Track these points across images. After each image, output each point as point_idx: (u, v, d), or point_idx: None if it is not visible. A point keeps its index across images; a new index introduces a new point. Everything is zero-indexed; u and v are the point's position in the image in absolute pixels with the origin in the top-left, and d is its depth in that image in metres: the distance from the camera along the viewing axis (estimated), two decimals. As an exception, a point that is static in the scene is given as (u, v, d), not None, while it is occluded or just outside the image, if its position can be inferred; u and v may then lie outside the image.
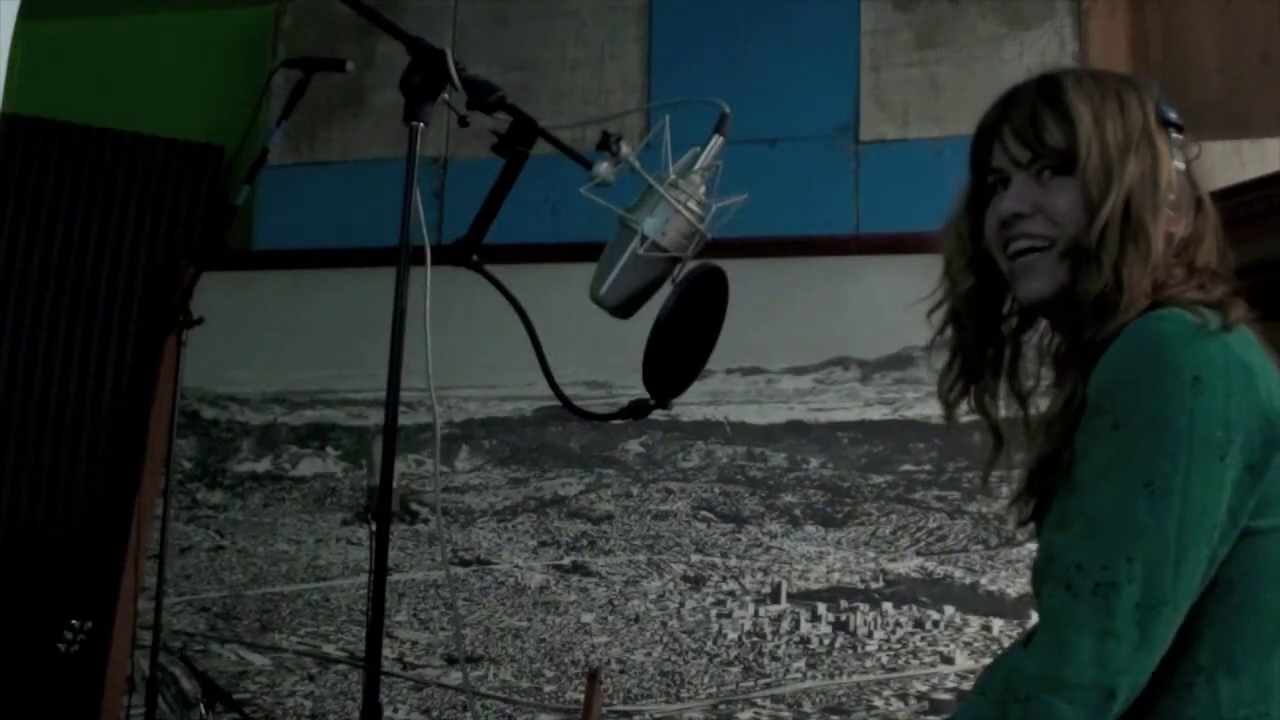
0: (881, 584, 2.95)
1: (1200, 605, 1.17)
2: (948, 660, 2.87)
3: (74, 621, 2.82)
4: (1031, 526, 1.36)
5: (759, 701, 2.93)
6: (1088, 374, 1.21)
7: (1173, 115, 1.29)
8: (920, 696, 2.86)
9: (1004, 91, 1.35)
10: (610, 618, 3.07)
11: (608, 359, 2.86)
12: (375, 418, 3.27)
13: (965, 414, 1.41)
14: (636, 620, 3.05)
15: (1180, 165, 1.27)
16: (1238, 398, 1.16)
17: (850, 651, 2.92)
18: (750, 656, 2.96)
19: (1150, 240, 1.23)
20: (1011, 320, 1.39)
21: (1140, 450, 1.15)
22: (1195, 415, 1.14)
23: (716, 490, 3.10)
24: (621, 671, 3.01)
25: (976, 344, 1.38)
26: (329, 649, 3.20)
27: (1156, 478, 1.14)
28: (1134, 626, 1.13)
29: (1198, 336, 1.17)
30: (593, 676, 2.60)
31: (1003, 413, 1.39)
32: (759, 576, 3.02)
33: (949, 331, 1.39)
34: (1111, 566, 1.14)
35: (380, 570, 1.55)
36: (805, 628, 2.96)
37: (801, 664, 2.94)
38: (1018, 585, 2.85)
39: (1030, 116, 1.29)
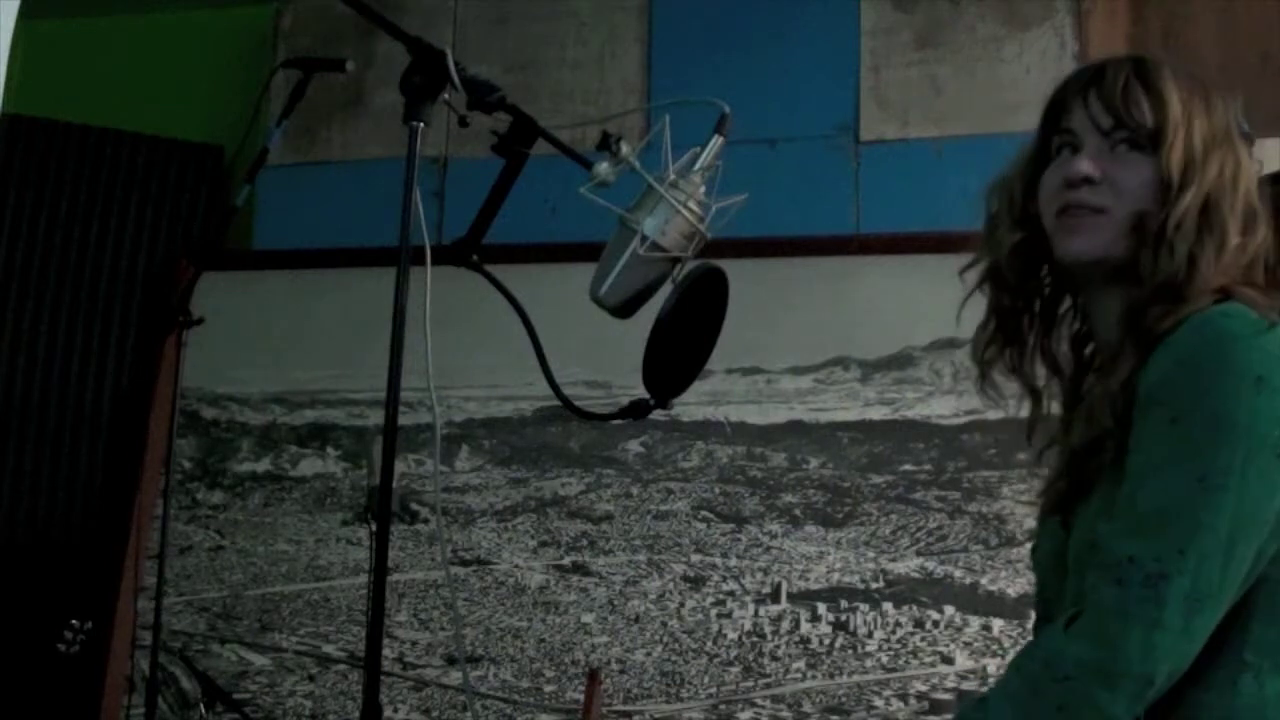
0: (881, 584, 2.95)
1: (1249, 603, 1.18)
2: (948, 660, 2.87)
3: (74, 621, 2.82)
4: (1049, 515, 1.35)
5: (759, 701, 2.93)
6: (1143, 361, 1.21)
7: (1246, 126, 1.31)
8: (920, 696, 2.86)
9: (1092, 61, 1.36)
10: (610, 618, 3.07)
11: (608, 359, 2.86)
12: (375, 418, 3.27)
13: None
14: (636, 620, 3.05)
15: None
16: None
17: (850, 651, 2.92)
18: (750, 656, 2.96)
19: (1227, 239, 1.23)
20: (1046, 286, 1.39)
21: (1197, 446, 1.15)
22: (1256, 414, 1.14)
23: (716, 490, 3.10)
24: (621, 671, 3.01)
25: (1012, 305, 1.38)
26: (329, 649, 3.20)
27: (1212, 473, 1.14)
28: (1180, 617, 1.14)
29: (1262, 335, 1.17)
30: (593, 676, 2.60)
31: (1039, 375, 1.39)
32: (759, 576, 3.01)
33: (985, 290, 1.39)
34: (1164, 559, 1.14)
35: (380, 570, 1.55)
36: (805, 628, 2.96)
37: (801, 664, 2.94)
38: (1018, 585, 2.85)
39: (1122, 87, 1.28)
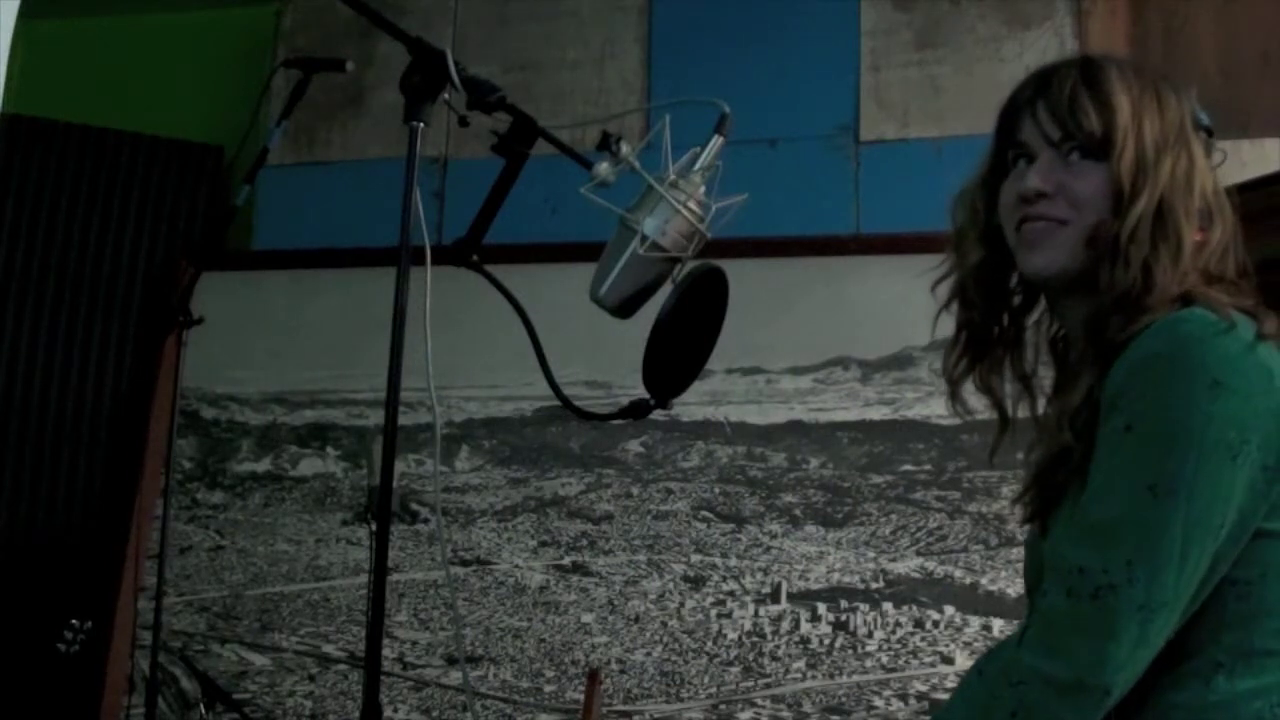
0: (881, 584, 2.95)
1: (1219, 606, 1.18)
2: (948, 660, 2.87)
3: (74, 621, 2.82)
4: (1027, 524, 1.36)
5: (759, 701, 2.93)
6: (1104, 373, 1.19)
7: (1205, 119, 1.28)
8: (920, 696, 2.86)
9: (1040, 67, 1.33)
10: (610, 618, 3.07)
11: (608, 359, 2.86)
12: (375, 418, 3.27)
13: (976, 406, 1.40)
14: (636, 620, 3.05)
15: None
16: (1258, 399, 1.15)
17: (850, 651, 2.92)
18: (750, 656, 2.96)
19: (1183, 243, 1.22)
20: (1015, 299, 1.38)
21: (1149, 454, 1.14)
22: (1211, 418, 1.13)
23: (716, 490, 3.10)
24: (621, 671, 3.01)
25: (982, 320, 1.37)
26: (329, 649, 3.20)
27: (1162, 479, 1.13)
28: (1134, 626, 1.13)
29: (1220, 338, 1.15)
30: (593, 676, 2.60)
31: (1010, 393, 1.38)
32: (759, 576, 3.01)
33: (954, 306, 1.38)
34: (1112, 570, 1.14)
35: (380, 570, 1.55)
36: (805, 628, 2.96)
37: (801, 664, 2.94)
38: (1018, 585, 2.85)
39: (1069, 96, 1.27)
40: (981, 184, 1.36)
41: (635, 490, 3.14)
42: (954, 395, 1.39)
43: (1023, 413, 1.39)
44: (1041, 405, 1.38)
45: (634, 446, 3.17)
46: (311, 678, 3.19)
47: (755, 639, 2.97)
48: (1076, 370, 1.26)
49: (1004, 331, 1.38)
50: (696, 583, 3.04)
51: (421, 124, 1.61)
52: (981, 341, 1.38)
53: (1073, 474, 1.22)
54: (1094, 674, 1.14)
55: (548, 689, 3.05)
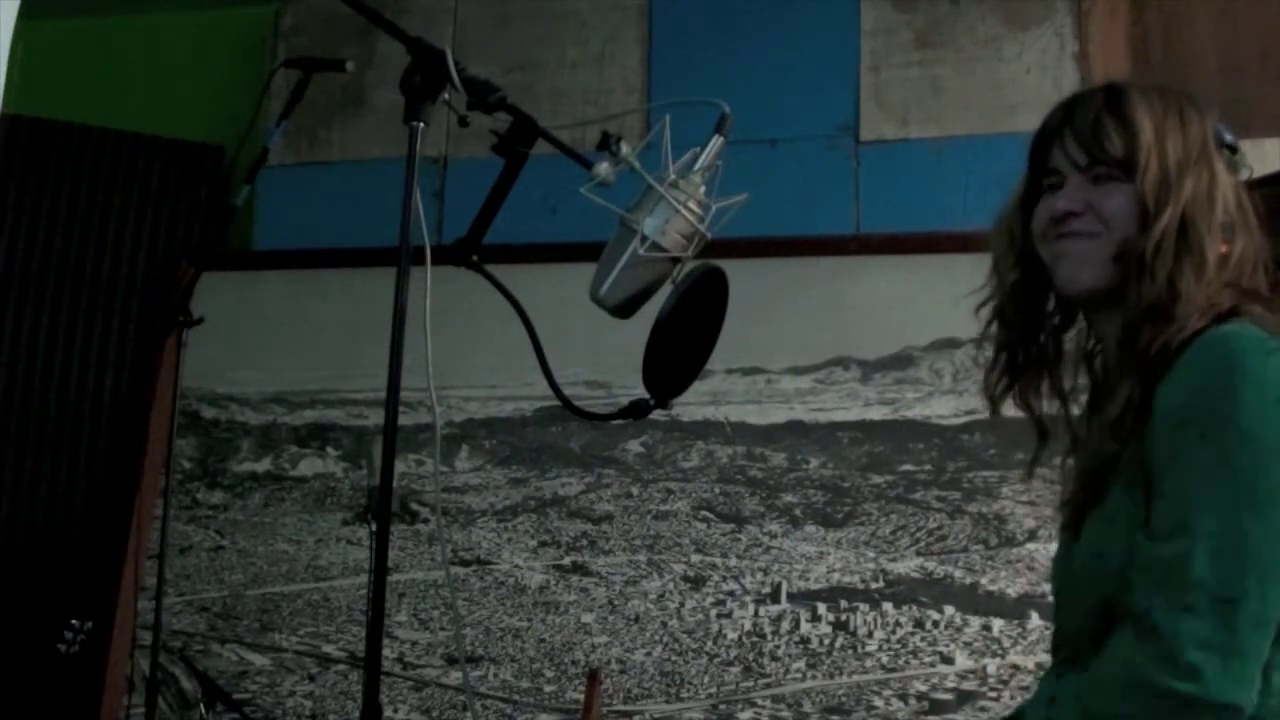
0: (881, 584, 2.95)
1: None
2: (948, 660, 2.87)
3: (74, 621, 2.82)
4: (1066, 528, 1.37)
5: (759, 701, 2.93)
6: (1147, 380, 1.24)
7: (1229, 137, 1.34)
8: (920, 696, 2.86)
9: (1068, 95, 1.40)
10: (610, 618, 3.07)
11: (608, 359, 2.86)
12: (375, 418, 3.27)
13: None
14: (636, 620, 3.05)
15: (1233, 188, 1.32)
16: None
17: (850, 651, 2.92)
18: (750, 656, 2.96)
19: (1206, 256, 1.27)
20: (1054, 318, 1.43)
21: (1236, 465, 1.17)
22: None
23: (716, 490, 3.10)
24: (621, 671, 3.01)
25: (1021, 340, 1.42)
26: (329, 649, 3.20)
27: (1260, 495, 1.16)
28: (1253, 643, 1.16)
29: (1272, 351, 1.20)
30: (593, 676, 2.60)
31: (1046, 409, 1.42)
32: (759, 576, 3.01)
33: (994, 328, 1.43)
34: (1231, 583, 1.15)
35: (380, 570, 1.55)
36: (805, 628, 2.96)
37: (801, 664, 2.94)
38: (1018, 585, 2.85)
39: (1093, 122, 1.33)
40: (1017, 209, 1.42)
41: (635, 490, 3.14)
42: (994, 413, 1.44)
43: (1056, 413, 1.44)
44: (1075, 415, 1.42)
45: (634, 446, 3.17)
46: (311, 678, 3.19)
47: (755, 639, 2.98)
48: (1114, 382, 1.29)
49: (1042, 350, 1.43)
50: (696, 583, 3.04)
51: (421, 124, 1.61)
52: (1021, 361, 1.42)
53: (1114, 477, 1.26)
54: (1233, 694, 1.14)
55: (548, 689, 3.05)
